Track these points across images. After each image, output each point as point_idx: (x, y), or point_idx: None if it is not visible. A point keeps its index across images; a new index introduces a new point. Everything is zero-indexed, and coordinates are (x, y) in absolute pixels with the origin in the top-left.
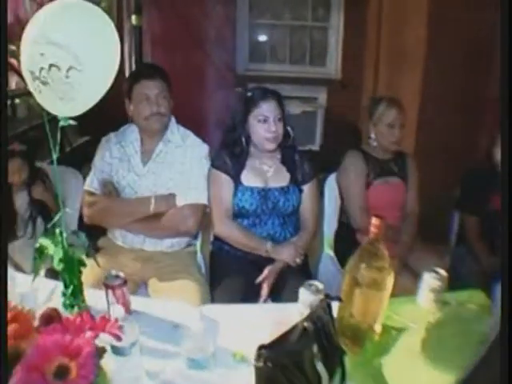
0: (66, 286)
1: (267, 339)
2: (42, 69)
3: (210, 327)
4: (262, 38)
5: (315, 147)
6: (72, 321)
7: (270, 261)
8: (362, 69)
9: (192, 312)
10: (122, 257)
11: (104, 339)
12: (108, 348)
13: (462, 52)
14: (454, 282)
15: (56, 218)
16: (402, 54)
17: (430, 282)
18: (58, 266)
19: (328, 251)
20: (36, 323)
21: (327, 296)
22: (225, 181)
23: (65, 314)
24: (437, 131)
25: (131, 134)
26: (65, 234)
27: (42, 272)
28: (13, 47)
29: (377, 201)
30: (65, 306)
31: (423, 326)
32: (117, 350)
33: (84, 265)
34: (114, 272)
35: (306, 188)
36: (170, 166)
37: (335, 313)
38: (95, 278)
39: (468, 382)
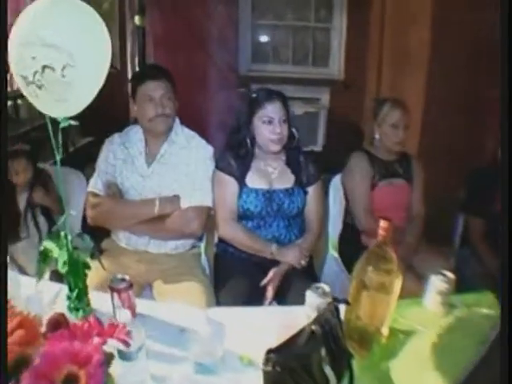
0: (70, 290)
1: (273, 342)
2: (35, 72)
3: (218, 331)
4: (265, 38)
5: (317, 148)
6: (79, 326)
7: (274, 263)
8: (365, 70)
9: (198, 315)
10: (126, 259)
11: (111, 343)
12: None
13: (465, 54)
14: (459, 284)
15: (61, 221)
16: (405, 55)
17: (437, 284)
18: (63, 269)
19: (333, 252)
20: (43, 329)
21: (335, 299)
22: (229, 182)
23: (70, 317)
24: (440, 133)
25: (135, 135)
26: (69, 237)
27: (47, 275)
28: None
29: (381, 202)
30: (70, 309)
31: (432, 329)
32: (123, 355)
33: (89, 267)
34: (119, 275)
35: (310, 190)
36: (174, 168)
37: (342, 316)
38: (100, 281)
39: (468, 382)
